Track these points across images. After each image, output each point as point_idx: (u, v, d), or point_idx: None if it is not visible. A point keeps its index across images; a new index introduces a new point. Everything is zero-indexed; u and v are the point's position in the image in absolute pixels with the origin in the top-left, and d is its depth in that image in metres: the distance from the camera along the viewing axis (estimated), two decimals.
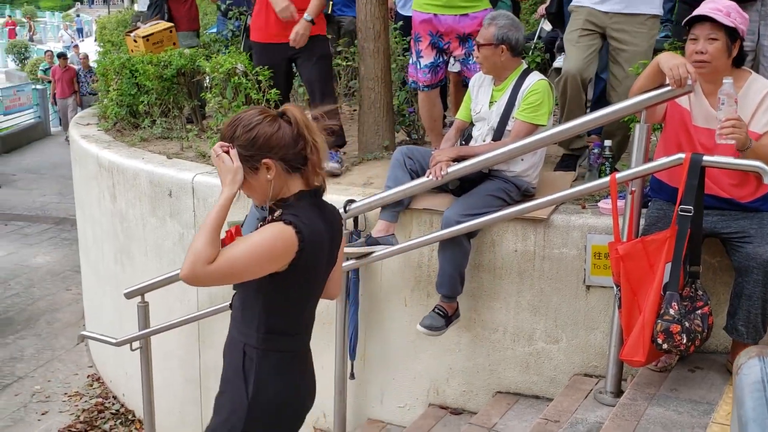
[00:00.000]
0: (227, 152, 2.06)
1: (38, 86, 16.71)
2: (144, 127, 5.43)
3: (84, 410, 5.38)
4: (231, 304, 2.26)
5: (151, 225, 4.53)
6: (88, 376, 5.91)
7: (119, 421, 5.22)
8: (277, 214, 2.11)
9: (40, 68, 18.35)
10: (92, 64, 14.29)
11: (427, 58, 4.07)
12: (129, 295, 4.20)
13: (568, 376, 3.45)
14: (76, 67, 15.50)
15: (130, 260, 4.82)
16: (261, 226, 2.10)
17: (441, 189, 3.47)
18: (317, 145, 2.12)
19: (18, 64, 24.54)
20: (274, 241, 2.01)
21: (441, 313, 3.40)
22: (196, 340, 4.41)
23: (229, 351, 2.25)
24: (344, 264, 3.54)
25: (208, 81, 5.23)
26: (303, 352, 2.28)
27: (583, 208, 3.45)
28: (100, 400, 5.51)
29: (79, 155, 5.58)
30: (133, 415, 5.22)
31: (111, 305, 5.22)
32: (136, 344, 4.24)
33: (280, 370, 2.17)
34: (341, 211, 3.48)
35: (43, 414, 5.37)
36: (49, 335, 6.67)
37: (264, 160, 2.06)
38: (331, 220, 2.22)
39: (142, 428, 4.92)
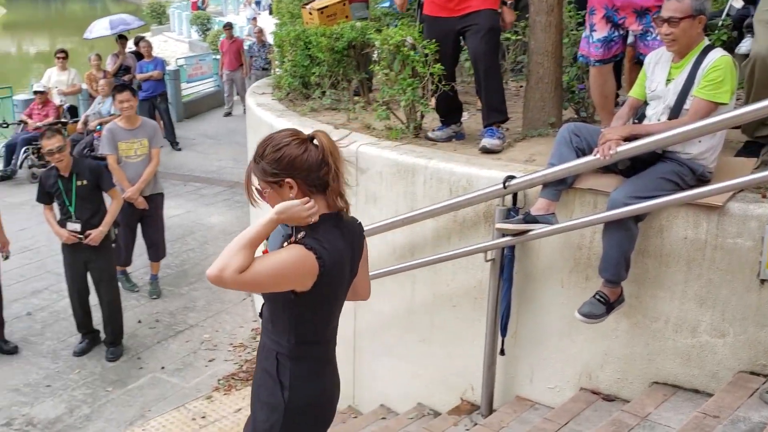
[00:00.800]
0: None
1: (218, 56, 17.70)
2: (314, 98, 5.64)
3: (247, 360, 5.74)
4: (261, 313, 2.43)
5: None
6: (252, 329, 6.28)
7: None
8: (300, 235, 2.24)
9: (220, 39, 19.40)
10: (265, 39, 14.91)
11: (600, 32, 3.92)
12: None
13: (732, 372, 3.25)
14: (252, 39, 16.04)
15: None
16: (285, 243, 2.23)
17: (608, 169, 3.35)
18: (339, 172, 2.24)
19: (201, 35, 26.09)
20: (296, 265, 2.16)
21: (602, 299, 3.31)
22: (352, 302, 4.55)
23: (262, 357, 2.45)
24: (500, 240, 3.55)
25: (377, 54, 5.34)
26: (331, 357, 2.48)
27: (764, 197, 3.21)
28: None
29: (253, 122, 5.89)
30: None
31: None
32: None
33: (312, 376, 2.39)
34: (500, 187, 3.46)
35: (210, 361, 5.79)
36: (219, 289, 7.13)
37: (287, 180, 2.21)
38: (351, 236, 2.37)
39: None
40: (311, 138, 2.26)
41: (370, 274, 4.21)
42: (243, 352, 5.91)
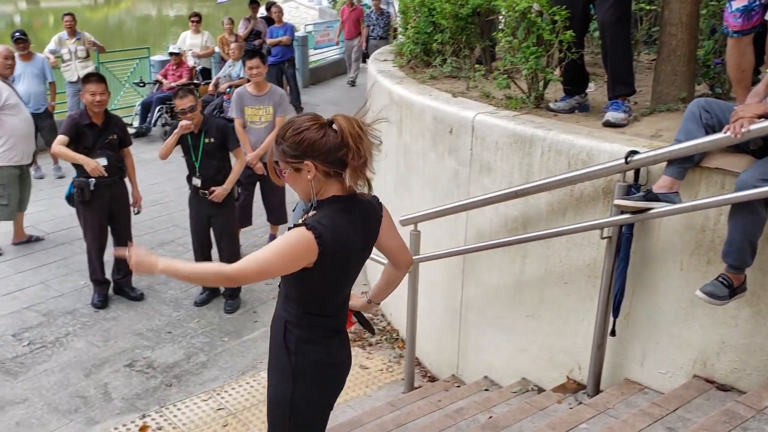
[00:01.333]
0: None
1: None
2: (435, 66, 5.60)
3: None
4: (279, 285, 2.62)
5: (430, 159, 4.71)
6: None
7: (384, 337, 5.60)
8: (310, 214, 2.42)
9: (341, 6, 19.52)
10: (383, 7, 14.88)
11: (740, 0, 3.65)
12: (404, 223, 4.44)
13: None
14: (368, 7, 16.03)
15: (408, 191, 5.07)
16: (305, 217, 2.42)
17: (739, 148, 3.14)
18: (360, 153, 2.34)
19: (330, 2, 26.41)
20: (294, 245, 2.33)
21: (725, 282, 3.13)
22: (460, 272, 4.54)
23: (274, 326, 2.65)
24: (618, 217, 3.42)
25: (502, 22, 5.22)
26: (337, 330, 2.63)
27: None
28: (369, 315, 5.94)
29: (374, 89, 5.93)
30: (397, 335, 5.57)
31: None
32: None
33: (316, 343, 2.56)
34: (622, 162, 3.33)
35: None
36: None
37: (306, 162, 2.36)
38: (365, 216, 2.52)
39: (403, 347, 5.23)
40: (330, 122, 2.39)
41: (479, 244, 4.20)
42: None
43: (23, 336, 5.60)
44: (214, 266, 2.59)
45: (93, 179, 5.69)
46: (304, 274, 2.41)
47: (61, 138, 5.65)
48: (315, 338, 2.57)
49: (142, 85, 11.71)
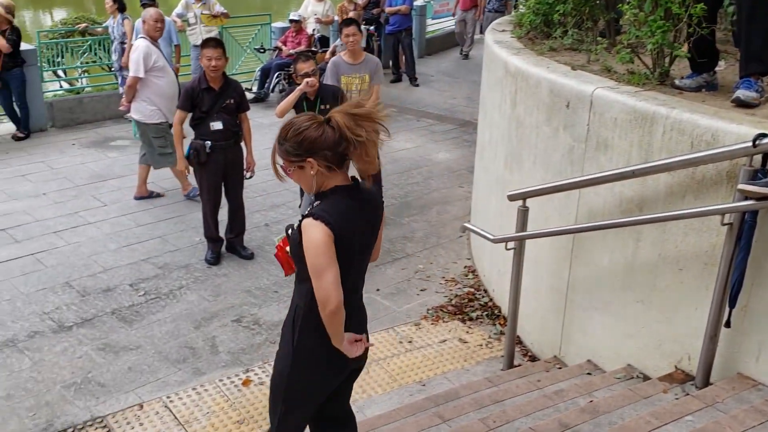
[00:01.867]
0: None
1: None
2: (555, 37, 5.42)
3: (457, 296, 5.83)
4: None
5: (543, 134, 4.58)
6: (465, 267, 6.35)
7: (486, 313, 5.54)
8: (315, 204, 2.57)
9: None
10: None
11: None
12: (512, 198, 4.35)
13: None
14: None
15: (519, 165, 4.96)
16: (311, 207, 2.57)
17: None
18: (360, 139, 2.47)
19: None
20: (322, 238, 2.47)
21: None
22: (568, 252, 4.42)
23: (289, 310, 2.81)
24: (741, 203, 3.21)
25: None
26: (349, 314, 2.65)
27: None
28: (471, 290, 5.91)
29: (489, 59, 5.81)
30: (499, 311, 5.50)
31: (495, 205, 5.47)
32: (511, 245, 4.41)
33: (320, 327, 2.61)
34: (749, 145, 3.11)
35: (421, 290, 5.95)
36: (438, 224, 7.28)
37: (308, 159, 2.52)
38: (369, 205, 2.68)
39: (504, 324, 5.17)
40: (328, 120, 2.53)
41: (591, 224, 4.06)
42: (454, 286, 6.00)
43: (140, 286, 5.89)
44: (325, 319, 2.58)
45: (209, 142, 5.90)
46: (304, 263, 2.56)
47: (179, 115, 5.99)
48: (319, 326, 2.63)
49: (262, 51, 11.99)
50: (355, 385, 4.54)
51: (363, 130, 2.48)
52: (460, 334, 5.30)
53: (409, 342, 5.18)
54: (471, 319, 5.49)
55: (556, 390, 3.96)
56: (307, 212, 2.56)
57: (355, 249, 2.63)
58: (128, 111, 7.48)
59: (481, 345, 5.16)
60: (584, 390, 3.90)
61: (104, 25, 10.74)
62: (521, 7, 6.42)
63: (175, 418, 4.33)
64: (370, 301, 5.74)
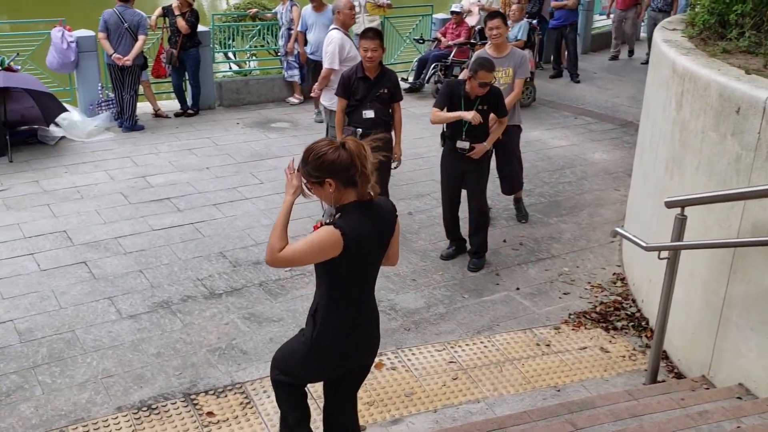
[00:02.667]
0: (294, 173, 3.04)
1: None
2: (730, 39, 5.06)
3: (602, 303, 5.60)
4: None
5: (709, 140, 4.29)
6: (614, 274, 6.09)
7: (632, 323, 5.29)
8: (337, 216, 2.95)
9: None
10: None
11: None
12: (669, 205, 4.12)
13: None
14: None
15: (680, 171, 4.68)
16: (333, 218, 2.97)
17: None
18: (365, 171, 2.90)
19: None
20: (325, 239, 2.86)
21: None
22: (727, 267, 4.11)
23: (311, 305, 3.22)
24: None
25: None
26: (361, 314, 3.14)
27: None
28: (618, 298, 5.66)
29: (656, 59, 5.52)
30: (646, 323, 5.23)
31: (651, 211, 5.20)
32: (664, 254, 4.18)
33: (338, 324, 3.07)
34: None
35: (564, 294, 5.77)
36: (588, 227, 7.03)
37: (327, 179, 2.90)
38: (381, 218, 3.05)
39: (650, 337, 4.91)
40: (343, 144, 2.91)
41: (757, 239, 3.78)
42: (600, 293, 5.77)
43: None
44: (275, 237, 2.99)
45: (360, 129, 6.02)
46: (331, 265, 2.96)
47: (339, 102, 6.18)
48: (338, 320, 3.08)
49: (421, 41, 12.05)
50: (487, 381, 4.52)
51: (368, 161, 2.91)
52: (602, 342, 5.09)
53: (547, 345, 5.04)
54: (615, 329, 5.26)
55: (700, 411, 3.72)
56: (328, 221, 2.97)
57: (371, 256, 3.07)
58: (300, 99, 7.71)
59: (624, 356, 4.93)
60: (732, 414, 3.63)
61: (273, 11, 11.20)
62: (696, 6, 6.04)
63: (309, 392, 4.45)
64: (509, 299, 5.64)
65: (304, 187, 3.05)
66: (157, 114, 10.12)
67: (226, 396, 4.42)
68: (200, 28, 10.14)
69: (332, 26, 7.26)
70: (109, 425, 4.14)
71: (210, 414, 4.24)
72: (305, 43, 10.00)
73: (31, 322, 5.09)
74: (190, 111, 10.20)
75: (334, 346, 3.12)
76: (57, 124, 9.10)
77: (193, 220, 6.88)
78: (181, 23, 9.63)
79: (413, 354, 4.89)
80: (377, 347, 3.32)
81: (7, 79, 8.34)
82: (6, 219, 6.68)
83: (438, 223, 6.75)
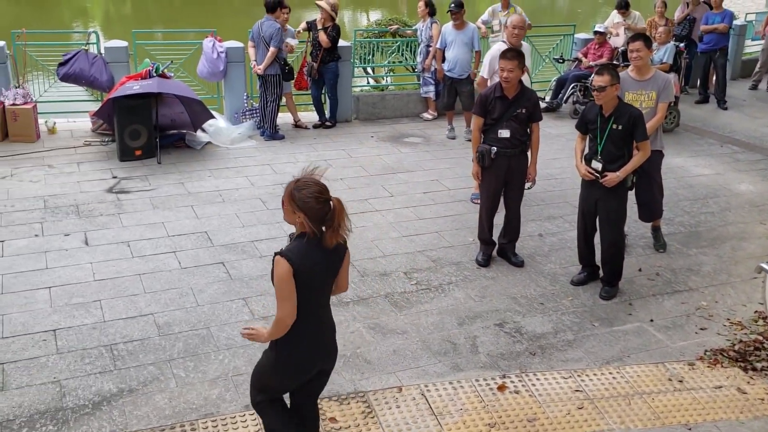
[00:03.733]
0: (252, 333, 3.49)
1: None
2: None
3: (741, 341, 5.28)
4: None
5: None
6: (756, 312, 5.72)
7: None
8: (289, 243, 3.46)
9: None
10: None
11: None
12: None
13: None
14: None
15: None
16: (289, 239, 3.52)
17: None
18: (339, 228, 3.33)
19: None
20: (280, 273, 3.27)
21: None
22: None
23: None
24: None
25: None
26: (315, 327, 3.48)
27: None
28: (759, 338, 5.31)
29: None
30: None
31: None
32: None
33: (294, 337, 3.42)
34: None
35: (701, 329, 5.48)
36: (730, 260, 6.65)
37: (299, 214, 3.29)
38: (331, 252, 3.39)
39: None
40: (329, 200, 3.32)
41: None
42: (739, 331, 5.44)
43: (413, 276, 6.16)
44: (274, 329, 3.41)
45: (494, 147, 5.99)
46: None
47: (475, 120, 6.18)
48: (291, 336, 3.41)
49: (561, 61, 11.85)
50: (614, 413, 4.36)
51: (344, 222, 3.33)
52: (739, 382, 4.79)
53: (680, 381, 4.80)
54: (754, 369, 4.94)
55: None
56: (279, 250, 3.37)
57: (316, 282, 3.40)
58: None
59: (763, 399, 4.62)
60: None
61: (413, 27, 11.36)
62: None
63: (430, 407, 4.46)
64: (641, 330, 5.42)
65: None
66: (297, 125, 10.47)
67: (348, 403, 4.49)
68: (341, 42, 10.43)
69: (501, 39, 7.42)
70: (236, 422, 4.30)
71: (333, 420, 4.32)
72: (443, 60, 10.07)
73: (170, 317, 5.38)
74: (327, 123, 10.49)
75: (293, 355, 3.48)
76: (204, 130, 9.60)
77: None
78: (322, 37, 9.94)
79: (537, 379, 4.79)
80: (335, 355, 3.71)
81: (161, 85, 8.86)
82: (152, 217, 7.10)
83: (569, 246, 6.59)
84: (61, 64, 9.51)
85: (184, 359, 4.87)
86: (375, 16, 23.11)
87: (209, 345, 5.06)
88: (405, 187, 8.19)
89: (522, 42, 7.48)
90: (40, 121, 9.49)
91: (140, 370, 4.76)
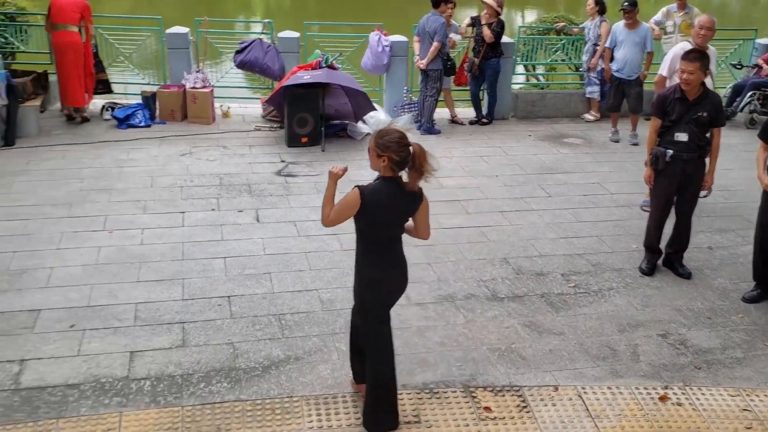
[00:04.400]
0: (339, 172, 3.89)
1: None
2: None
3: None
4: None
5: None
6: None
7: None
8: (373, 181, 3.92)
9: None
10: None
11: None
12: None
13: None
14: None
15: None
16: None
17: None
18: (421, 169, 3.78)
19: None
20: (349, 197, 3.81)
21: None
22: None
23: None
24: None
25: None
26: (383, 258, 4.01)
27: None
28: None
29: None
30: None
31: None
32: None
33: (371, 264, 3.99)
34: None
35: None
36: None
37: (383, 155, 3.77)
38: (406, 196, 3.89)
39: None
40: (409, 145, 3.77)
41: None
42: None
43: (571, 278, 6.05)
44: (325, 205, 3.93)
45: (670, 150, 5.76)
46: (357, 222, 3.92)
47: (653, 122, 5.98)
48: (370, 262, 4.00)
49: (739, 67, 11.20)
50: None
51: (426, 163, 3.77)
52: None
53: None
54: None
55: None
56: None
57: (385, 219, 3.90)
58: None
59: None
60: None
61: (581, 26, 11.10)
62: None
63: (587, 409, 4.39)
64: None
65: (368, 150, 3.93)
66: (454, 120, 10.53)
67: (503, 395, 4.50)
68: (504, 39, 10.37)
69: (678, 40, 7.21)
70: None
71: (487, 409, 4.35)
72: (611, 59, 9.78)
73: (332, 294, 5.60)
74: (484, 120, 10.48)
75: (375, 281, 4.01)
76: (364, 121, 9.87)
77: (480, 224, 7.07)
78: (486, 32, 9.92)
79: (702, 394, 4.59)
80: (404, 285, 4.14)
81: (330, 76, 9.20)
82: (316, 201, 7.36)
83: (741, 262, 6.27)
84: (238, 52, 10.08)
85: (345, 334, 5.00)
86: (531, 15, 22.76)
87: None
88: (563, 189, 8.05)
89: (708, 45, 7.15)
90: (216, 104, 10.11)
91: (306, 340, 5.00)
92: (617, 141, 9.77)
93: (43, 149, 8.53)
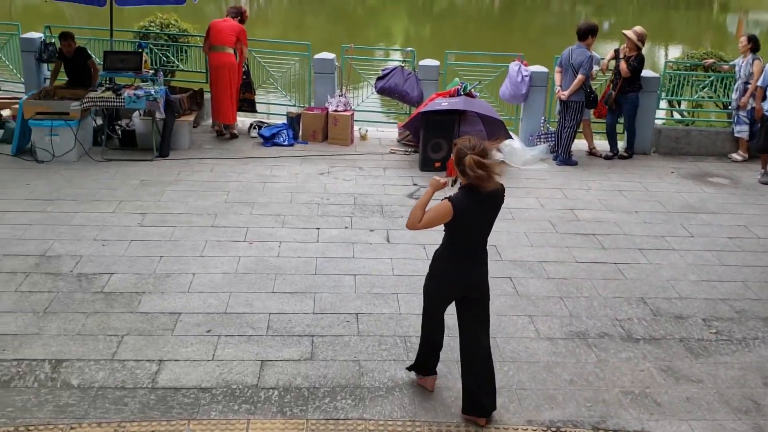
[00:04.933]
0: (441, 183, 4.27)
1: None
2: None
3: None
4: None
5: None
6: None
7: None
8: (456, 191, 4.27)
9: None
10: None
11: None
12: None
13: None
14: None
15: None
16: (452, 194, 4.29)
17: None
18: (478, 175, 4.06)
19: None
20: (441, 209, 4.16)
21: None
22: None
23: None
24: None
25: None
26: (466, 259, 4.36)
27: None
28: None
29: None
30: None
31: None
32: None
33: (445, 260, 4.38)
34: None
35: None
36: None
37: (460, 168, 4.16)
38: (490, 197, 4.21)
39: None
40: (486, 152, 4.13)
41: None
42: None
43: (712, 324, 5.73)
44: (418, 210, 4.24)
45: None
46: (447, 225, 4.23)
47: None
48: (444, 260, 4.36)
49: None
50: None
51: (484, 166, 4.04)
52: None
53: None
54: None
55: None
56: (447, 196, 4.22)
57: (474, 226, 4.24)
58: None
59: None
60: None
61: (731, 63, 10.60)
62: None
63: None
64: None
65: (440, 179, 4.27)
66: (591, 152, 10.29)
67: None
68: (649, 73, 10.04)
69: None
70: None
71: None
72: (763, 98, 9.26)
73: None
74: (624, 154, 10.16)
75: (442, 274, 4.37)
76: (499, 150, 9.80)
77: (617, 260, 6.84)
78: (622, 66, 9.67)
79: None
80: (479, 287, 4.39)
81: (467, 103, 9.23)
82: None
83: None
84: (379, 78, 10.33)
85: None
86: (675, 51, 21.93)
87: (494, 355, 5.09)
88: (707, 229, 7.67)
89: None
90: (355, 127, 10.39)
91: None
92: (767, 183, 9.21)
93: (193, 162, 9.06)
